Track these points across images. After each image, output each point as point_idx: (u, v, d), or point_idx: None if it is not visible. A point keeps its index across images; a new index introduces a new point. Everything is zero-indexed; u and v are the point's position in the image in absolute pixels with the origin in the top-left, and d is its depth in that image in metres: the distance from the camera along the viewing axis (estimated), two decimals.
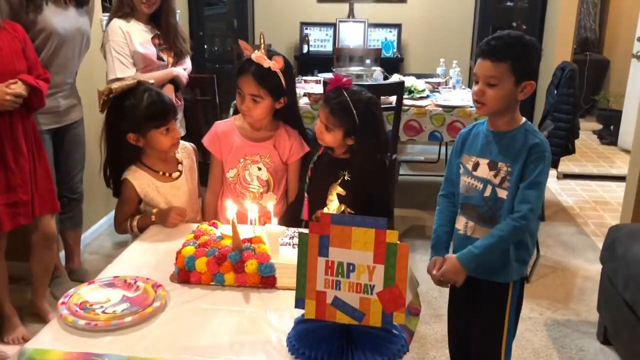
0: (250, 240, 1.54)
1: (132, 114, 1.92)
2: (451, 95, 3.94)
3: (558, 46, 4.80)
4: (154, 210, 1.98)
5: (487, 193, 1.74)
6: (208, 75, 3.62)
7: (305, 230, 1.34)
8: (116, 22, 2.89)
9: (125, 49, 2.87)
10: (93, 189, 3.30)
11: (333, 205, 1.95)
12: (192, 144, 2.20)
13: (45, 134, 2.71)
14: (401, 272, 1.21)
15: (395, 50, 5.55)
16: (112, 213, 2.15)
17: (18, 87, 2.25)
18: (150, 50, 2.91)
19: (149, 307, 1.38)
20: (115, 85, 1.93)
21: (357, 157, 1.94)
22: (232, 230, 1.49)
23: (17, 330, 2.57)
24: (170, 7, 3.00)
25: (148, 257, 1.70)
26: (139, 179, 1.99)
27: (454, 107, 3.65)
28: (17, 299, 2.71)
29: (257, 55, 1.96)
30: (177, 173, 2.06)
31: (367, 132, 1.90)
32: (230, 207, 1.61)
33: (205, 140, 2.15)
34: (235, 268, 1.49)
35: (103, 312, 1.37)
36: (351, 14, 5.58)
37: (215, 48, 5.86)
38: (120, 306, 1.40)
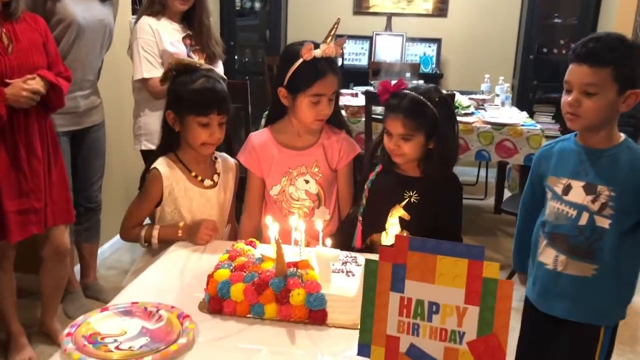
0: (296, 265, 1.28)
1: (178, 91, 1.73)
2: (499, 113, 3.67)
3: None
4: (181, 224, 1.74)
5: (583, 221, 1.49)
6: (241, 81, 3.39)
7: (373, 256, 1.07)
8: (145, 19, 2.68)
9: (154, 48, 2.65)
10: (112, 199, 3.08)
11: (393, 231, 1.68)
12: (235, 160, 1.94)
13: (62, 136, 2.51)
14: (502, 316, 0.93)
15: (434, 65, 5.29)
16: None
17: (36, 83, 2.04)
18: (180, 49, 2.69)
19: (173, 344, 1.11)
20: (181, 59, 1.79)
21: (432, 165, 1.69)
22: (276, 251, 1.22)
23: (23, 352, 2.34)
24: (205, 7, 2.78)
25: (173, 279, 1.44)
26: (169, 172, 1.76)
27: (504, 125, 3.37)
28: (25, 316, 2.49)
29: (325, 49, 1.73)
30: (211, 182, 1.82)
31: (447, 126, 1.68)
32: (271, 225, 1.35)
33: (242, 156, 1.90)
34: (278, 298, 1.23)
35: (117, 347, 1.12)
36: (388, 27, 5.35)
37: (246, 59, 5.68)
38: (139, 341, 1.14)
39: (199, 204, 1.79)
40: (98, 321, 1.20)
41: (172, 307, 1.24)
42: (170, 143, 1.81)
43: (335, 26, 1.78)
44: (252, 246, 1.44)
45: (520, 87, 5.15)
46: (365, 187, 1.77)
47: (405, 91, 1.67)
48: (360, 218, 1.76)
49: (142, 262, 1.78)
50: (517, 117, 3.62)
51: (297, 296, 1.21)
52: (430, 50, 5.32)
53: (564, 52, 5.06)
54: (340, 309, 1.22)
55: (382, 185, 1.76)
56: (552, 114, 5.13)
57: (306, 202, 1.87)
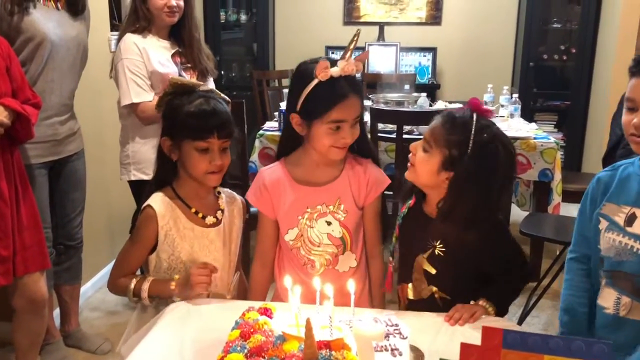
0: (328, 346, 1.01)
1: (173, 115, 1.55)
2: (507, 125, 3.44)
3: (615, 72, 4.31)
4: (176, 277, 1.48)
5: None
6: (235, 100, 3.12)
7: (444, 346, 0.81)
8: (130, 37, 2.42)
9: (142, 69, 2.39)
10: (94, 235, 2.80)
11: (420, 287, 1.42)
12: (242, 198, 1.70)
13: (39, 168, 2.24)
14: None
15: (430, 76, 5.07)
16: None
17: None
18: (171, 69, 2.43)
19: None
20: (177, 79, 1.59)
21: (449, 214, 1.39)
22: (306, 333, 0.96)
23: None
24: (194, 18, 2.54)
25: (171, 357, 1.16)
26: (165, 210, 1.53)
27: (516, 139, 3.14)
28: None
29: (344, 66, 1.46)
30: (214, 219, 1.58)
31: (475, 175, 1.36)
32: (291, 288, 1.09)
33: (251, 196, 1.63)
34: None
35: None
36: (381, 36, 5.13)
37: (233, 74, 5.43)
38: None
39: (201, 247, 1.55)
40: None
41: None
42: (167, 175, 1.60)
43: (356, 38, 1.52)
44: (268, 316, 1.17)
45: (521, 96, 4.97)
46: (397, 222, 1.51)
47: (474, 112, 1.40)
48: (390, 260, 1.50)
49: (137, 324, 1.50)
50: (526, 129, 3.40)
51: None
52: (426, 59, 5.11)
53: (564, 58, 4.89)
54: None
55: (410, 223, 1.50)
56: (555, 122, 4.95)
57: (329, 247, 1.59)
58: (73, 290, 2.61)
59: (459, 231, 1.37)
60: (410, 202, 1.51)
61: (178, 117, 1.52)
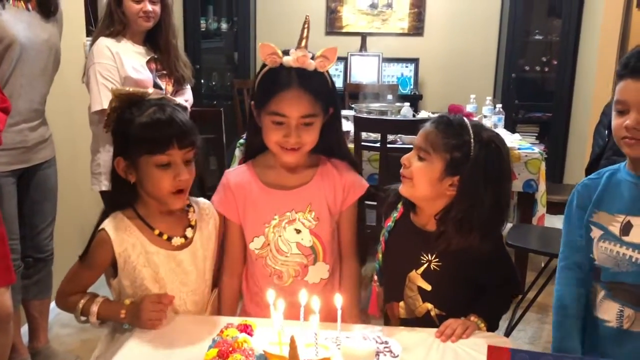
0: None
1: (123, 130, 1.37)
2: None
3: (596, 83, 4.32)
4: (127, 302, 1.35)
5: None
6: (213, 109, 3.05)
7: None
8: (103, 41, 2.34)
9: (114, 74, 2.30)
10: (65, 247, 2.67)
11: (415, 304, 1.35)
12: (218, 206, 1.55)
13: (7, 176, 2.14)
14: None
15: (412, 86, 5.04)
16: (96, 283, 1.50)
17: None
18: (146, 76, 2.35)
19: None
20: (121, 89, 1.40)
21: (447, 220, 1.32)
22: (290, 352, 0.87)
23: None
24: (171, 24, 2.46)
25: None
26: (122, 234, 1.36)
27: None
28: None
29: (299, 56, 1.36)
30: (181, 240, 1.42)
31: (484, 175, 1.30)
32: (273, 303, 1.01)
33: (216, 200, 1.52)
34: None
35: None
36: (363, 47, 5.10)
37: (213, 83, 5.34)
38: None
39: (168, 271, 1.39)
40: None
41: None
42: (123, 200, 1.42)
43: (306, 26, 1.41)
44: (248, 333, 1.08)
45: (503, 107, 4.98)
46: (381, 237, 1.42)
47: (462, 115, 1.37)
48: (375, 277, 1.42)
49: (108, 342, 1.40)
50: (509, 139, 3.36)
51: None
52: (408, 70, 5.09)
53: (546, 69, 4.90)
54: None
55: (398, 238, 1.41)
56: (536, 134, 4.95)
57: (297, 257, 1.48)
58: (42, 305, 2.49)
59: (468, 241, 1.30)
60: (397, 214, 1.43)
61: (130, 131, 1.34)
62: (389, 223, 1.43)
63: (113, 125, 1.41)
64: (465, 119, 1.35)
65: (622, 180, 1.31)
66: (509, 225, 3.18)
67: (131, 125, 1.34)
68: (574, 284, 1.38)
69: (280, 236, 1.48)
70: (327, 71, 1.44)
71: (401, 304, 1.41)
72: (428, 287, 1.36)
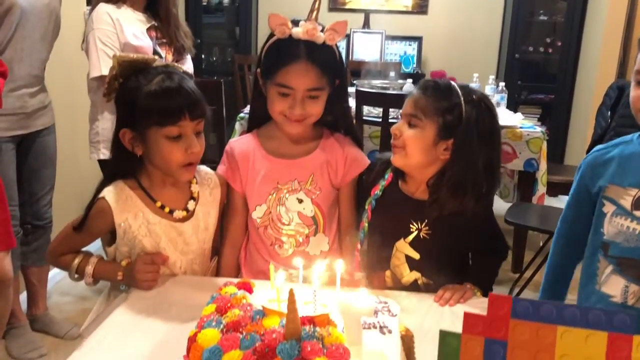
0: (312, 321, 0.92)
1: (130, 99, 1.28)
2: None
3: (601, 64, 4.29)
4: (124, 262, 1.33)
5: None
6: (213, 80, 3.02)
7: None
8: (103, 7, 2.30)
9: (114, 40, 2.27)
10: (64, 215, 2.65)
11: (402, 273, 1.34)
12: (222, 176, 1.52)
13: (7, 142, 2.13)
14: None
15: (414, 65, 5.00)
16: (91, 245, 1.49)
17: None
18: (146, 43, 2.31)
19: None
20: (124, 56, 1.31)
21: (441, 187, 1.31)
22: (289, 306, 0.87)
23: None
24: None
25: (139, 339, 1.06)
26: (123, 204, 1.32)
27: (502, 127, 3.07)
28: None
29: (309, 28, 1.34)
30: (183, 213, 1.38)
31: (477, 135, 1.28)
32: (275, 268, 1.01)
33: (220, 169, 1.51)
34: None
35: None
36: (366, 24, 5.05)
37: (214, 58, 5.30)
38: None
39: (170, 240, 1.36)
40: None
41: None
42: (125, 170, 1.36)
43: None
44: (247, 290, 1.08)
45: (506, 88, 4.96)
46: (367, 205, 1.40)
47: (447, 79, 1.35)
48: (358, 247, 1.40)
49: (104, 307, 1.39)
50: (512, 118, 3.35)
51: None
52: (411, 48, 5.04)
53: (550, 51, 4.86)
54: None
55: (387, 206, 1.39)
56: (538, 116, 4.92)
57: (299, 227, 1.48)
58: (41, 273, 2.49)
59: (462, 205, 1.29)
60: (385, 182, 1.41)
61: (138, 101, 1.26)
62: (377, 191, 1.41)
63: (116, 95, 1.34)
64: (451, 82, 1.33)
65: (635, 153, 1.27)
66: (507, 205, 3.18)
67: (138, 94, 1.27)
68: (566, 255, 1.41)
69: (282, 205, 1.47)
70: (336, 44, 1.43)
71: (387, 273, 1.40)
72: (416, 256, 1.35)
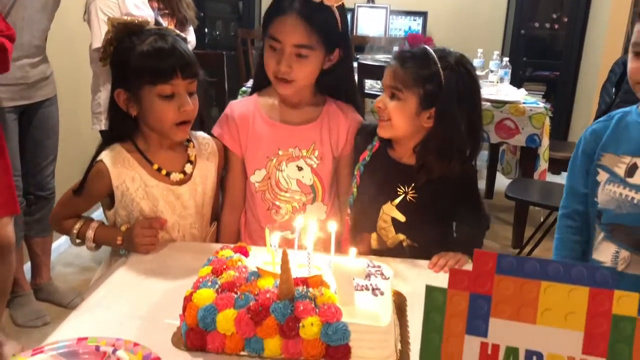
0: (306, 282, 0.94)
1: (123, 60, 1.30)
2: (496, 90, 3.37)
3: (608, 40, 4.24)
4: (123, 227, 1.34)
5: None
6: (215, 52, 3.01)
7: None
8: None
9: (115, 11, 2.27)
10: (67, 185, 2.67)
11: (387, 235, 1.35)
12: (220, 138, 1.52)
13: (9, 112, 2.13)
14: None
15: None
16: (93, 213, 1.51)
17: None
18: (147, 13, 2.32)
19: None
20: (118, 19, 1.33)
21: (428, 152, 1.32)
22: (282, 266, 0.88)
23: None
24: None
25: (136, 300, 1.08)
26: (120, 167, 1.34)
27: (505, 103, 3.07)
28: None
29: None
30: (180, 176, 1.39)
31: (458, 100, 1.29)
32: (271, 231, 1.02)
33: (217, 129, 1.50)
34: (283, 330, 0.89)
35: None
36: None
37: (217, 32, 5.26)
38: None
39: (167, 204, 1.37)
40: None
41: (136, 344, 0.89)
42: (121, 133, 1.38)
43: None
44: (243, 254, 1.09)
45: (511, 64, 4.93)
46: (356, 170, 1.41)
47: (423, 45, 1.34)
48: (348, 210, 1.42)
49: (103, 272, 1.41)
50: (515, 94, 3.33)
51: (310, 327, 0.88)
52: (416, 24, 4.99)
53: (556, 27, 4.81)
54: (370, 342, 0.89)
55: (375, 171, 1.40)
56: (543, 93, 4.89)
57: (297, 194, 1.48)
58: (44, 243, 2.52)
59: (448, 169, 1.31)
60: (373, 148, 1.42)
61: (131, 61, 1.29)
62: (365, 157, 1.42)
63: (111, 57, 1.35)
64: (427, 48, 1.32)
65: (631, 122, 1.29)
66: (509, 181, 3.19)
67: (131, 55, 1.29)
68: (572, 232, 1.40)
69: (281, 171, 1.47)
70: (339, 11, 1.41)
71: (373, 235, 1.42)
72: (402, 219, 1.37)
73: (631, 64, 1.23)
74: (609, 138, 1.31)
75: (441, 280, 1.19)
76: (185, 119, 1.33)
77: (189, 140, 1.45)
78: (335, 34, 1.41)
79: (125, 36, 1.32)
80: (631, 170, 1.24)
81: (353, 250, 0.93)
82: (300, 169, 1.47)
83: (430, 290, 0.66)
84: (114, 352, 0.87)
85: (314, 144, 1.47)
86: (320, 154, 1.47)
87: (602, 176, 1.29)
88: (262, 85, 1.51)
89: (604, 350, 0.62)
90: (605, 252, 1.28)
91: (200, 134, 1.49)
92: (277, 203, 1.49)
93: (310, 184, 1.49)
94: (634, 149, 1.25)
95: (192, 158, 1.43)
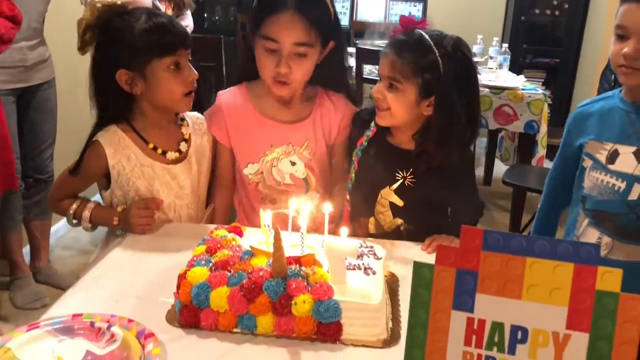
0: (298, 261, 0.95)
1: (122, 39, 1.30)
2: (495, 76, 3.37)
3: (609, 27, 4.21)
4: (119, 208, 1.35)
5: (634, 196, 1.23)
6: (213, 36, 3.00)
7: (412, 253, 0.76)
8: None
9: None
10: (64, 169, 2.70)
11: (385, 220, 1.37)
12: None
13: (7, 95, 2.14)
14: (624, 349, 0.63)
15: None
16: (93, 197, 1.52)
17: None
18: None
19: None
20: (102, 1, 1.31)
21: (428, 140, 1.32)
22: (274, 244, 0.89)
23: None
24: None
25: (132, 278, 1.10)
26: (116, 146, 1.34)
27: (503, 89, 3.08)
28: None
29: None
30: (175, 155, 1.40)
31: (457, 87, 1.27)
32: (264, 210, 1.03)
33: (206, 115, 1.50)
34: (275, 307, 0.91)
35: None
36: None
37: (216, 17, 5.24)
38: None
39: (163, 184, 1.38)
40: (23, 345, 0.85)
41: (130, 320, 0.91)
42: (116, 113, 1.37)
43: None
44: (237, 233, 1.10)
45: (511, 51, 4.91)
46: (354, 156, 1.41)
47: (414, 30, 1.31)
48: (348, 197, 1.42)
49: (100, 253, 1.42)
50: (514, 80, 3.33)
51: (302, 304, 0.89)
52: (416, 10, 4.97)
53: (557, 13, 4.78)
54: (361, 320, 0.91)
55: (373, 156, 1.39)
56: (543, 80, 4.87)
57: (290, 187, 1.48)
58: (43, 226, 2.53)
59: (448, 156, 1.31)
60: (370, 133, 1.41)
61: (133, 39, 1.28)
62: (362, 142, 1.41)
63: (102, 39, 1.33)
64: (422, 34, 1.29)
65: (614, 108, 1.29)
66: (506, 167, 3.19)
67: (132, 33, 1.29)
68: (558, 194, 1.43)
69: (274, 166, 1.47)
70: (331, 2, 1.39)
71: (371, 219, 1.43)
72: (400, 203, 1.37)
73: (613, 47, 1.22)
74: (594, 123, 1.31)
75: (432, 255, 1.21)
76: (192, 88, 1.36)
77: (182, 119, 1.46)
78: (330, 26, 1.39)
79: (112, 17, 1.32)
80: (612, 157, 1.25)
81: (345, 230, 0.94)
82: (293, 164, 1.47)
83: (417, 267, 0.67)
84: (108, 328, 0.88)
85: (307, 141, 1.47)
86: (313, 149, 1.47)
87: (587, 162, 1.30)
88: (251, 77, 1.48)
89: (587, 326, 0.63)
90: (589, 238, 1.29)
91: (194, 113, 1.50)
92: (272, 195, 1.50)
93: (304, 177, 1.49)
94: (616, 136, 1.25)
95: (187, 136, 1.44)
